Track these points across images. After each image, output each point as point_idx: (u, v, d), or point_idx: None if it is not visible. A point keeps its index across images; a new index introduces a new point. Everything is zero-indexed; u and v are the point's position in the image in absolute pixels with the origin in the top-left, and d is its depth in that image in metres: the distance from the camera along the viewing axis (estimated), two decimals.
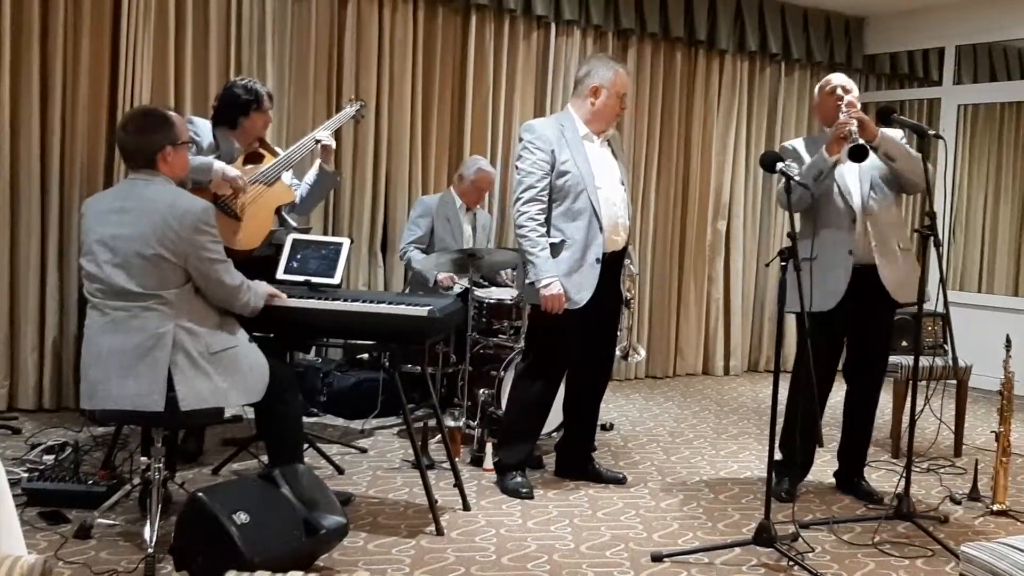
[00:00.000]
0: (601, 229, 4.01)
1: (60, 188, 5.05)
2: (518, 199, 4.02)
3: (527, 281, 4.01)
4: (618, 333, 4.43)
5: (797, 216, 3.76)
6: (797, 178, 3.52)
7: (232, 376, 3.16)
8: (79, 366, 4.64)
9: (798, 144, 4.17)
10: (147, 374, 3.04)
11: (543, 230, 3.98)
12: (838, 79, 4.11)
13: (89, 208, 3.26)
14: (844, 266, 3.97)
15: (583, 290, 3.99)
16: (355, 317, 3.50)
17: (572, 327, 4.04)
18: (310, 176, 4.47)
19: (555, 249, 3.99)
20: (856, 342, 4.14)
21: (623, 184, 4.16)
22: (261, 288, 3.39)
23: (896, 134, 4.06)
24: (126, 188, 3.22)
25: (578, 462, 4.35)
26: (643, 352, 4.71)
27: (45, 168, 5.01)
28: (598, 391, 4.37)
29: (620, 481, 4.30)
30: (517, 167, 4.08)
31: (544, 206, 4.00)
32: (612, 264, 4.12)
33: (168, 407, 3.05)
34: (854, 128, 3.79)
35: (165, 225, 3.08)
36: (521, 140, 4.09)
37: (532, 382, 4.15)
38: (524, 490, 4.04)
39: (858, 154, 3.74)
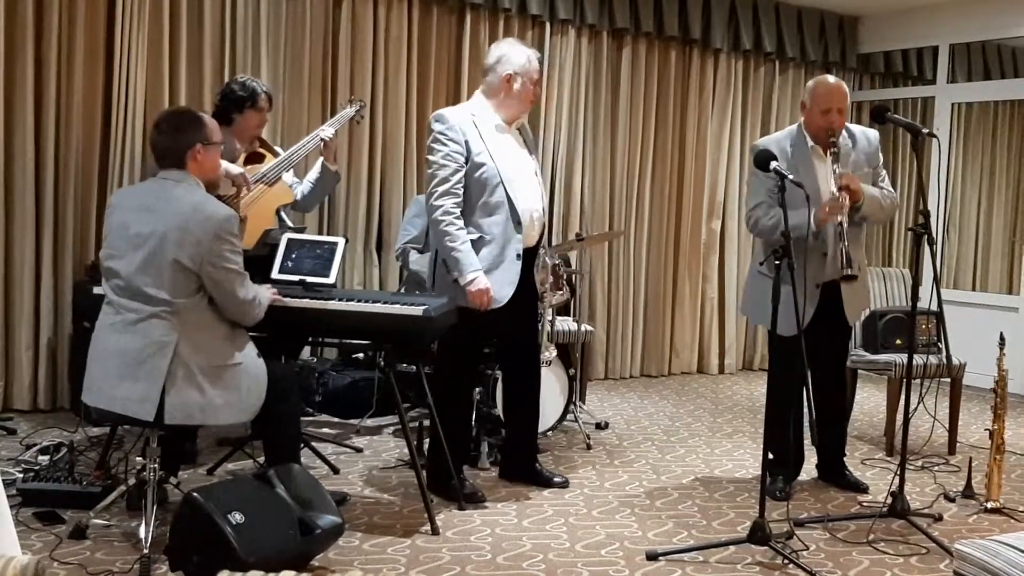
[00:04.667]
0: (519, 223, 3.90)
1: (55, 187, 5.04)
2: (432, 193, 3.84)
3: (451, 279, 3.85)
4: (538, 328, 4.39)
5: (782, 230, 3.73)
6: (791, 178, 3.52)
7: (228, 393, 3.14)
8: (74, 366, 4.64)
9: (771, 145, 4.00)
10: (144, 380, 3.04)
11: (461, 223, 3.82)
12: (835, 98, 3.99)
13: (116, 203, 3.27)
14: (812, 300, 3.96)
15: (504, 287, 3.89)
16: (350, 317, 3.50)
17: (488, 325, 3.94)
18: (313, 174, 4.48)
19: (473, 246, 3.84)
20: (818, 350, 4.06)
21: (537, 175, 4.07)
22: (263, 295, 3.36)
23: (871, 138, 4.13)
24: (155, 187, 3.22)
25: (521, 464, 4.23)
26: (553, 352, 4.69)
27: (40, 167, 5.00)
28: (533, 390, 4.22)
29: (563, 485, 4.20)
30: (428, 160, 3.89)
31: (459, 199, 3.83)
32: (527, 259, 4.00)
33: (156, 416, 3.04)
34: (843, 218, 3.83)
35: (187, 228, 3.07)
36: (432, 131, 3.89)
37: (449, 383, 4.03)
38: (478, 494, 3.94)
39: (848, 281, 3.89)
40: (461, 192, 3.85)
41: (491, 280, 3.86)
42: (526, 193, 3.96)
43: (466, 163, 3.85)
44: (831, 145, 3.94)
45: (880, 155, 4.20)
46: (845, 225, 3.83)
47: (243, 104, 4.23)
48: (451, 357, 4.04)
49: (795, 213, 3.63)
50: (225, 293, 3.15)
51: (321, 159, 4.43)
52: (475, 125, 3.89)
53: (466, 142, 3.85)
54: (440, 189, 3.83)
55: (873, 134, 4.20)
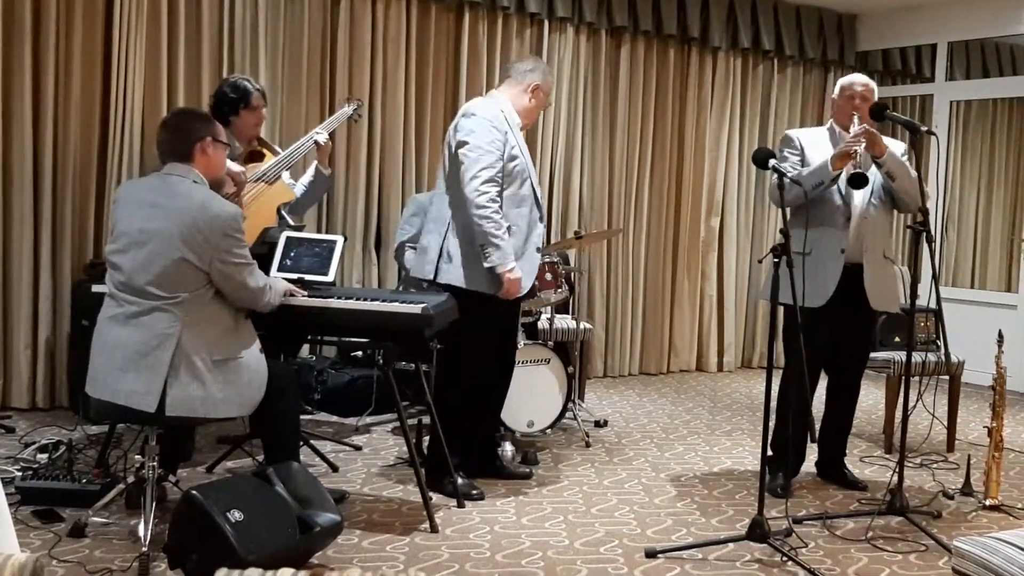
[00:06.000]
0: (541, 218, 4.01)
1: (53, 187, 5.04)
2: (475, 177, 3.78)
3: (486, 266, 3.82)
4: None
5: (788, 211, 3.78)
6: (789, 175, 3.53)
7: (229, 387, 3.15)
8: (72, 364, 4.63)
9: (804, 137, 4.18)
10: (146, 373, 3.04)
11: (503, 212, 3.84)
12: (859, 83, 4.09)
13: (121, 197, 3.27)
14: (836, 264, 4.01)
15: (527, 277, 3.96)
16: (349, 315, 3.49)
17: (505, 316, 3.98)
18: (306, 177, 4.49)
19: None
20: (838, 340, 4.13)
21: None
22: (279, 285, 3.40)
23: (898, 148, 4.11)
24: (160, 182, 3.21)
25: (483, 460, 4.21)
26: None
27: (38, 167, 5.00)
28: (504, 384, 4.21)
29: (527, 476, 4.25)
30: (468, 143, 3.82)
31: (501, 188, 3.85)
32: None
33: (157, 408, 3.05)
34: (860, 150, 3.84)
35: (194, 227, 3.07)
36: (473, 115, 3.88)
37: (466, 376, 4.02)
38: (475, 491, 3.95)
39: (857, 182, 3.80)
40: (501, 181, 3.86)
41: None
42: (539, 190, 4.07)
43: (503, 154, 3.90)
44: (853, 117, 3.98)
45: (908, 155, 4.18)
46: (861, 150, 3.84)
47: (237, 105, 4.22)
48: (474, 347, 4.00)
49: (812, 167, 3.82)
50: (236, 285, 3.17)
51: (315, 162, 4.43)
52: (506, 120, 3.96)
53: (506, 133, 3.90)
54: (485, 175, 3.80)
55: (901, 145, 4.19)
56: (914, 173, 4.07)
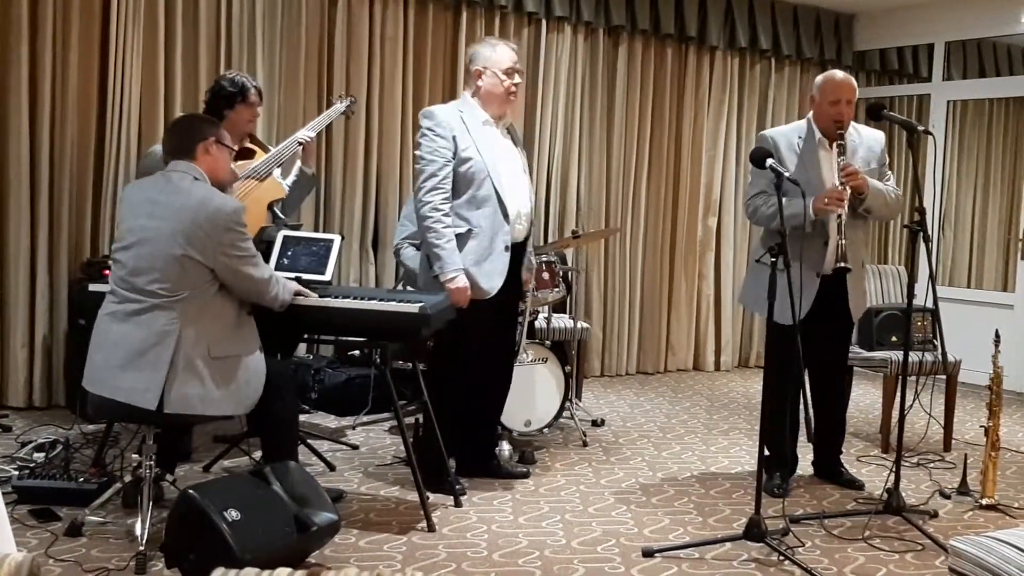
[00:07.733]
0: (507, 217, 3.94)
1: (50, 185, 5.03)
2: (420, 188, 3.87)
3: (432, 275, 3.88)
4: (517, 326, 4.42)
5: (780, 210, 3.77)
6: (788, 175, 3.53)
7: (227, 385, 3.15)
8: (70, 363, 4.63)
9: (779, 138, 4.13)
10: (147, 371, 3.05)
11: (448, 220, 3.85)
12: (844, 85, 4.04)
13: (127, 195, 3.30)
14: (811, 288, 3.98)
15: (493, 278, 3.93)
16: (346, 314, 3.49)
17: (477, 319, 3.91)
18: (291, 178, 4.48)
19: (461, 239, 3.87)
20: (820, 346, 4.10)
21: (525, 173, 4.11)
22: (290, 284, 3.41)
23: (878, 138, 4.14)
24: (162, 181, 3.23)
25: (480, 459, 4.22)
26: (529, 356, 4.71)
27: (34, 165, 4.99)
28: (502, 388, 4.24)
29: (524, 476, 4.24)
30: (416, 155, 3.94)
31: (447, 195, 3.86)
32: (514, 255, 4.02)
33: (157, 405, 3.05)
34: (843, 212, 3.84)
35: (195, 224, 3.09)
36: (420, 127, 3.93)
37: (441, 379, 4.03)
38: (458, 486, 3.95)
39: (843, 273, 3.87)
40: (449, 187, 3.88)
41: (480, 271, 3.89)
42: (514, 188, 3.99)
43: (453, 158, 3.88)
44: (839, 137, 3.98)
45: (886, 156, 4.23)
46: (844, 218, 3.84)
47: (233, 100, 4.21)
48: (441, 353, 4.06)
49: (792, 203, 3.76)
50: (242, 277, 3.19)
51: (298, 162, 4.42)
52: (463, 120, 3.93)
53: (453, 137, 3.88)
54: (428, 184, 3.86)
55: (879, 135, 4.24)
56: (892, 195, 4.09)
